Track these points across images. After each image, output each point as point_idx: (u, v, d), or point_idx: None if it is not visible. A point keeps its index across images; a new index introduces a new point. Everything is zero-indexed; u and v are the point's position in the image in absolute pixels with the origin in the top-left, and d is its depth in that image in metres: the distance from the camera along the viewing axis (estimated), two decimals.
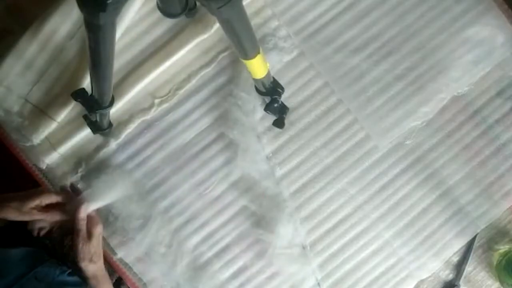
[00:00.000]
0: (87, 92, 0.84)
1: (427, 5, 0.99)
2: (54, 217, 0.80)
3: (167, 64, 0.94)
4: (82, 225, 0.78)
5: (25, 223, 0.78)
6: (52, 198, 0.79)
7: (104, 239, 0.92)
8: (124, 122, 0.95)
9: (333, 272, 0.98)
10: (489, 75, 1.00)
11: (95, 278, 0.78)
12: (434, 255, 0.99)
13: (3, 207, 0.74)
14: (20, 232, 0.78)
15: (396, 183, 0.99)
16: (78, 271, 0.78)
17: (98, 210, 0.83)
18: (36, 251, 0.71)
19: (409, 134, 0.99)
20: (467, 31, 0.99)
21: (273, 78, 0.90)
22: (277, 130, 0.97)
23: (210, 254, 0.96)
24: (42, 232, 0.81)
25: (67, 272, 0.71)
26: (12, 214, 0.74)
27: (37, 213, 0.76)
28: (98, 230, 0.80)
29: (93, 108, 0.81)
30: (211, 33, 0.94)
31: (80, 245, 0.77)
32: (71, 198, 0.82)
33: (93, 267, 0.78)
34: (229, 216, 0.97)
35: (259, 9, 0.97)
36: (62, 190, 0.84)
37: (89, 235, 0.79)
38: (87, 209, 0.79)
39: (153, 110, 0.95)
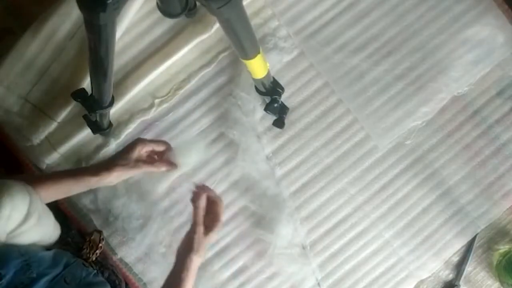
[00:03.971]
0: (87, 92, 0.84)
1: (427, 5, 0.99)
2: (160, 167, 0.82)
3: (167, 64, 0.94)
4: (200, 215, 0.79)
5: None
6: (147, 146, 0.82)
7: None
8: (124, 122, 0.95)
9: (333, 272, 0.98)
10: (489, 75, 1.00)
11: (194, 271, 0.77)
12: (434, 255, 0.99)
13: (113, 167, 0.77)
14: None
15: (396, 183, 0.99)
16: (101, 271, 0.79)
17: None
18: (62, 252, 0.72)
19: (409, 134, 0.99)
20: (467, 31, 0.99)
21: (273, 78, 0.90)
22: (277, 130, 0.97)
23: (210, 254, 0.96)
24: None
25: (92, 274, 0.71)
26: (122, 171, 0.78)
27: (143, 165, 0.80)
28: (218, 227, 0.80)
29: (93, 108, 0.81)
30: (211, 33, 0.94)
31: (197, 236, 0.77)
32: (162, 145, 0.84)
33: (199, 261, 0.78)
34: (229, 216, 0.97)
35: (259, 9, 0.98)
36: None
37: (208, 229, 0.79)
38: (205, 198, 0.80)
39: (153, 110, 0.95)
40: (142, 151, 0.81)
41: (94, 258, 0.82)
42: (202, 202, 0.79)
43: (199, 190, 0.80)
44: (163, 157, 0.85)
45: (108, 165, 0.78)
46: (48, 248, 0.71)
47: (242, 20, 0.63)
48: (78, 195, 0.85)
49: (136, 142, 0.81)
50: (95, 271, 0.73)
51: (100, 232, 0.87)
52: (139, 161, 0.80)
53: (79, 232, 0.91)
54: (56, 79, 0.91)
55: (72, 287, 0.66)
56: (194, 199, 0.80)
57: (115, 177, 0.78)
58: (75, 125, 0.92)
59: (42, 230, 0.70)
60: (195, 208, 0.79)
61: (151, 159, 0.83)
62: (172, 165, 0.83)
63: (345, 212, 0.98)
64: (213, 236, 0.80)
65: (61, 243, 0.77)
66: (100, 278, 0.72)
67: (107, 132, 0.93)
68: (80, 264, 0.71)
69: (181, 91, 0.96)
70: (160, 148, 0.84)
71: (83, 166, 0.93)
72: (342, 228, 0.98)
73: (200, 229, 0.78)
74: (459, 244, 1.00)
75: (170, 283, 0.77)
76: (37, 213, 0.66)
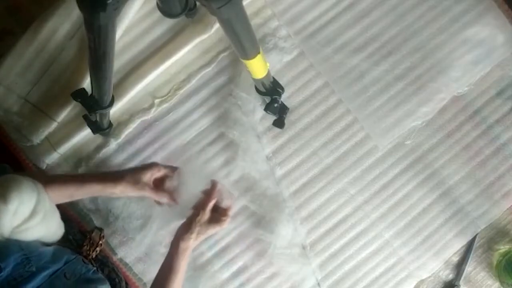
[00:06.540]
0: (87, 92, 0.84)
1: (427, 5, 0.99)
2: (162, 198, 0.83)
3: (167, 64, 0.94)
4: (209, 203, 0.82)
5: None
6: (161, 173, 0.83)
7: None
8: (124, 122, 0.95)
9: (333, 272, 0.98)
10: (489, 75, 1.00)
11: (185, 250, 0.80)
12: (434, 255, 0.99)
13: (121, 181, 0.78)
14: None
15: (396, 183, 0.99)
16: (100, 269, 0.80)
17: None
18: (62, 248, 0.72)
19: (409, 134, 0.99)
20: (467, 31, 0.99)
21: (273, 78, 0.90)
22: (277, 130, 0.97)
23: (210, 254, 0.96)
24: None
25: (92, 271, 0.71)
26: (128, 188, 0.78)
27: (148, 190, 0.80)
28: (226, 222, 0.83)
29: (93, 108, 0.81)
30: (211, 33, 0.94)
31: (200, 219, 0.80)
32: (174, 172, 0.85)
33: (192, 243, 0.80)
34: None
35: (259, 9, 0.98)
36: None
37: (214, 221, 0.82)
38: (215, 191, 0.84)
39: (153, 110, 0.95)
40: (154, 176, 0.82)
41: (94, 256, 0.83)
42: (214, 193, 0.83)
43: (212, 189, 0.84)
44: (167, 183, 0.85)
45: (116, 177, 0.79)
46: (48, 245, 0.71)
47: (242, 20, 0.63)
48: None
49: (152, 166, 0.82)
50: (95, 268, 0.73)
51: (100, 229, 0.87)
52: (147, 185, 0.80)
53: (80, 231, 0.91)
54: (56, 79, 0.91)
55: (71, 283, 0.67)
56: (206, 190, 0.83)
57: (119, 191, 0.78)
58: (75, 125, 0.93)
59: (47, 228, 0.70)
60: (206, 195, 0.82)
61: (157, 185, 0.84)
62: (174, 200, 0.84)
63: (345, 212, 0.98)
64: (216, 228, 0.82)
65: (62, 240, 0.77)
66: (100, 275, 0.73)
67: (107, 132, 0.93)
68: (80, 260, 0.72)
69: (181, 91, 0.96)
70: (170, 174, 0.85)
71: (90, 172, 0.93)
72: (342, 228, 0.98)
73: (205, 215, 0.81)
74: (459, 244, 1.00)
75: (164, 264, 0.80)
76: (44, 210, 0.66)
